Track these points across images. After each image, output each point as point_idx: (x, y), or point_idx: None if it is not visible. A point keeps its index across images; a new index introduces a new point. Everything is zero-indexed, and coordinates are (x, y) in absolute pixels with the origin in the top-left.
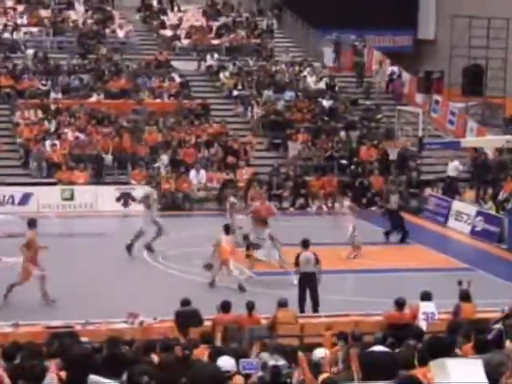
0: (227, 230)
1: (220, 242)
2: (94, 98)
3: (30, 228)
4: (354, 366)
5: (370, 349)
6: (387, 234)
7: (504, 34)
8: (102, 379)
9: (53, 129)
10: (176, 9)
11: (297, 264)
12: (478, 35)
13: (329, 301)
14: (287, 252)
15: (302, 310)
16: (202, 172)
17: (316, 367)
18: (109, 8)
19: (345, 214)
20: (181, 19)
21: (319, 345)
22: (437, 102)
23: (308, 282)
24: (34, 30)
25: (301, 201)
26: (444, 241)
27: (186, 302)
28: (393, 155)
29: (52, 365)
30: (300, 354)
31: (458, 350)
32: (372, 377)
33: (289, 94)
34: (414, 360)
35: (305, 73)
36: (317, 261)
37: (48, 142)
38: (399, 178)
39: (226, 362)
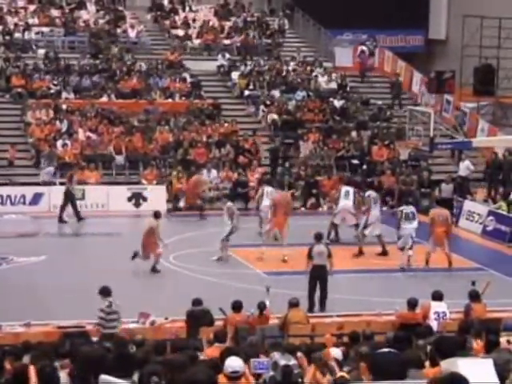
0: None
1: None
2: (105, 98)
3: (156, 218)
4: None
5: (379, 350)
6: None
7: None
8: (113, 379)
9: (64, 129)
10: (187, 9)
11: (309, 257)
12: (490, 35)
13: (340, 300)
14: (299, 252)
15: (311, 302)
16: (214, 172)
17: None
18: (120, 8)
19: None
20: (192, 19)
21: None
22: (448, 101)
23: (319, 275)
24: (46, 29)
25: (312, 200)
26: (455, 240)
27: (197, 302)
28: (404, 155)
29: (64, 363)
30: (299, 354)
31: (473, 345)
32: (381, 377)
33: (300, 94)
34: (424, 360)
35: (316, 73)
36: (329, 254)
37: (59, 142)
38: (410, 178)
39: (234, 363)
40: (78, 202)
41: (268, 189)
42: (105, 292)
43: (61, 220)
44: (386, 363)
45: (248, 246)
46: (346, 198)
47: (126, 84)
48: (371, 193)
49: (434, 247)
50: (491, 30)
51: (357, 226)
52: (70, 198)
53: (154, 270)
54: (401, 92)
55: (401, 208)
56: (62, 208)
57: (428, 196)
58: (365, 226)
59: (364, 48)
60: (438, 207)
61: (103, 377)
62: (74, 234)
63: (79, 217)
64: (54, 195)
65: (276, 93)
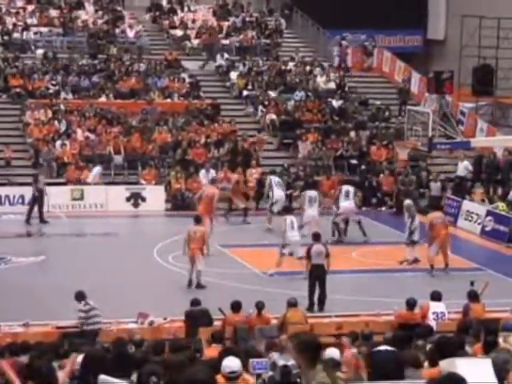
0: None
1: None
2: (103, 98)
3: (199, 224)
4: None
5: (377, 348)
6: None
7: None
8: (111, 379)
9: (63, 129)
10: (186, 9)
11: (308, 257)
12: (488, 35)
13: (339, 300)
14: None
15: (311, 302)
16: (212, 172)
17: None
18: (119, 8)
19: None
20: (191, 19)
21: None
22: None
23: (318, 274)
24: (44, 29)
25: None
26: (454, 241)
27: (196, 302)
28: (403, 155)
29: (64, 363)
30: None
31: (468, 349)
32: (379, 377)
33: (299, 94)
34: (423, 360)
35: (315, 72)
36: (327, 254)
37: (58, 142)
38: (409, 178)
39: (231, 363)
40: (78, 203)
41: (275, 178)
42: (79, 297)
43: (28, 221)
44: (383, 362)
45: (248, 247)
46: (347, 197)
47: (125, 84)
48: (307, 191)
49: (437, 252)
50: (490, 30)
51: (359, 222)
52: (37, 198)
53: (199, 286)
54: (408, 98)
55: (408, 202)
56: (30, 210)
57: (426, 196)
58: (300, 226)
59: (342, 42)
60: (431, 210)
61: (102, 377)
62: (71, 234)
63: (41, 218)
64: (53, 195)
65: (275, 93)
